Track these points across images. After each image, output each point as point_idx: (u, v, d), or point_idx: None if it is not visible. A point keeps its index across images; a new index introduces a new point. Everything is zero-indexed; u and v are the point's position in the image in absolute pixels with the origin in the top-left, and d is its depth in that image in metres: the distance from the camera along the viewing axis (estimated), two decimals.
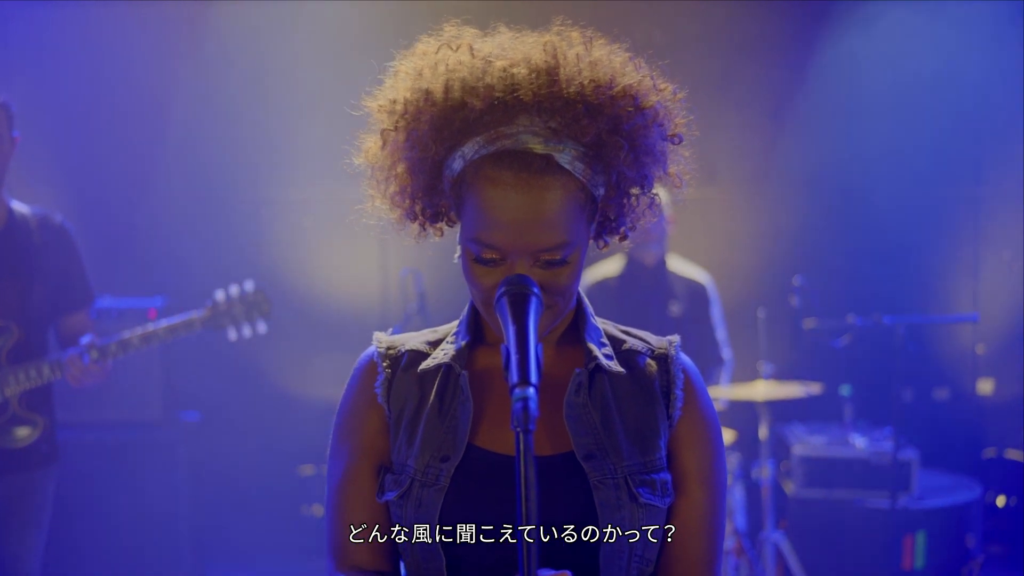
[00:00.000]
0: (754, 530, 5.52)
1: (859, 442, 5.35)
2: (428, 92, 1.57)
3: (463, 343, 1.71)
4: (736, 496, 5.15)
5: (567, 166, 1.54)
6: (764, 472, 5.12)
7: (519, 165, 1.52)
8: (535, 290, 1.52)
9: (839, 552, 5.16)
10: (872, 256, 6.27)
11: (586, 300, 1.77)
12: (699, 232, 6.00)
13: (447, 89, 1.56)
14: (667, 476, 1.65)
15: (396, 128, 1.61)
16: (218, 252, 6.05)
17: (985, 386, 6.28)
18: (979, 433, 6.23)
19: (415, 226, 1.70)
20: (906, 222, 6.19)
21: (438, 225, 1.71)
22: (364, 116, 1.67)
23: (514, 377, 1.37)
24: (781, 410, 5.53)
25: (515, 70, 1.55)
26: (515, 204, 1.52)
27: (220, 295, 4.03)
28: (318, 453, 5.98)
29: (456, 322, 1.78)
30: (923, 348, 5.41)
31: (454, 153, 1.57)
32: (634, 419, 1.66)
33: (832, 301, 5.61)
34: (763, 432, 5.11)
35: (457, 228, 1.65)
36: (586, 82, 1.55)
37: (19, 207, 3.79)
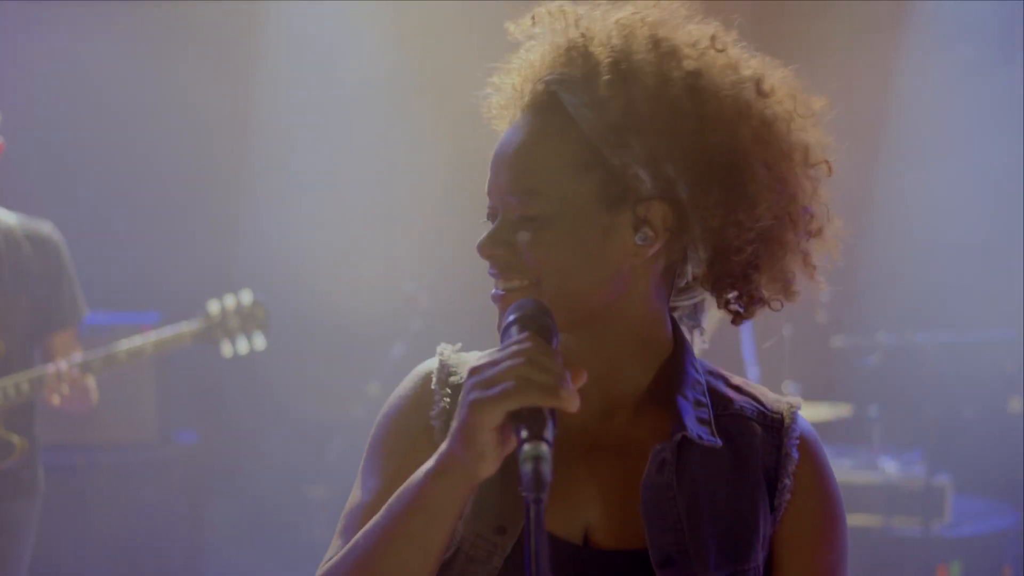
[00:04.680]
0: None
1: (889, 466, 5.23)
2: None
3: None
4: None
5: (571, 108, 1.37)
6: None
7: (526, 106, 1.42)
8: (547, 320, 1.27)
9: None
10: (904, 269, 6.09)
11: (690, 339, 1.48)
12: None
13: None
14: None
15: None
16: (218, 264, 5.98)
17: (1017, 404, 6.12)
18: (1014, 454, 6.07)
19: None
20: (940, 233, 6.01)
21: None
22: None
23: (521, 430, 1.13)
24: None
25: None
26: (506, 141, 1.41)
27: (214, 306, 3.88)
28: (323, 474, 5.88)
29: None
30: (956, 366, 5.34)
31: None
32: (729, 511, 1.37)
33: (861, 317, 5.52)
34: None
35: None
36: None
37: (5, 216, 3.66)
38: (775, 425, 1.43)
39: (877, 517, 5.09)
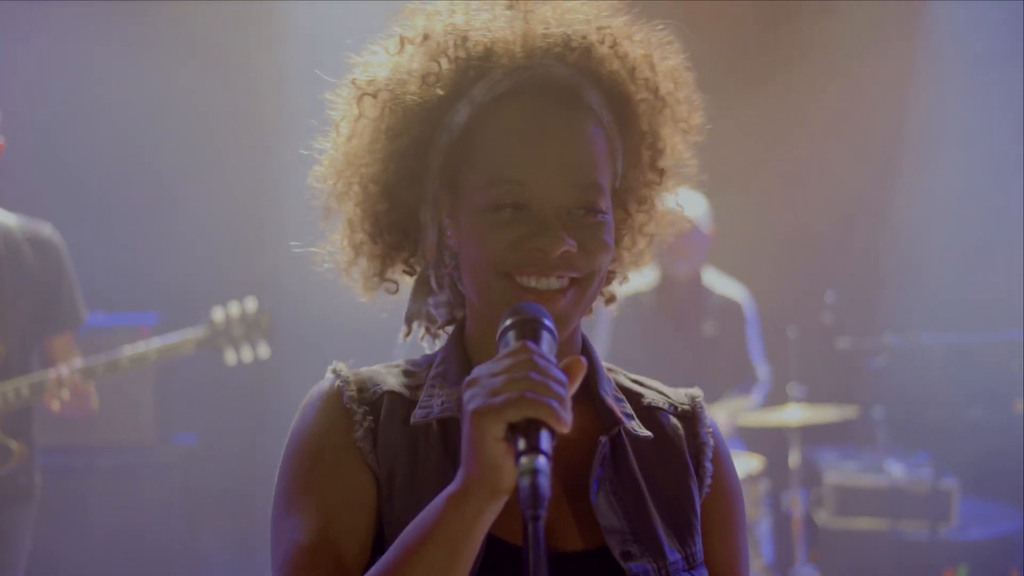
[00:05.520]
0: (784, 564, 5.35)
1: (895, 469, 5.23)
2: (436, 49, 1.41)
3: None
4: (764, 527, 4.99)
5: (595, 107, 1.38)
6: (794, 502, 5.03)
7: (545, 95, 1.36)
8: (547, 323, 1.24)
9: None
10: (910, 270, 6.08)
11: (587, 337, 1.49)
12: (724, 245, 5.82)
13: (459, 41, 1.40)
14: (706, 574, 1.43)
15: (378, 105, 1.43)
16: (217, 265, 5.91)
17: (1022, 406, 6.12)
18: (1021, 457, 6.06)
19: (373, 261, 1.47)
20: (946, 234, 6.01)
21: (397, 262, 1.48)
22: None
23: (519, 441, 1.09)
24: (812, 435, 5.41)
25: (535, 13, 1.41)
26: (545, 131, 1.35)
27: (218, 314, 3.83)
28: None
29: (433, 355, 1.48)
30: (962, 367, 5.33)
31: (456, 105, 1.39)
32: (668, 498, 1.42)
33: (867, 318, 5.52)
34: (793, 459, 5.02)
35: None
36: (610, 33, 1.42)
37: (5, 217, 3.63)
38: (687, 415, 1.49)
39: (883, 520, 5.08)
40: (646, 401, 1.48)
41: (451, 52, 1.39)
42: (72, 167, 5.93)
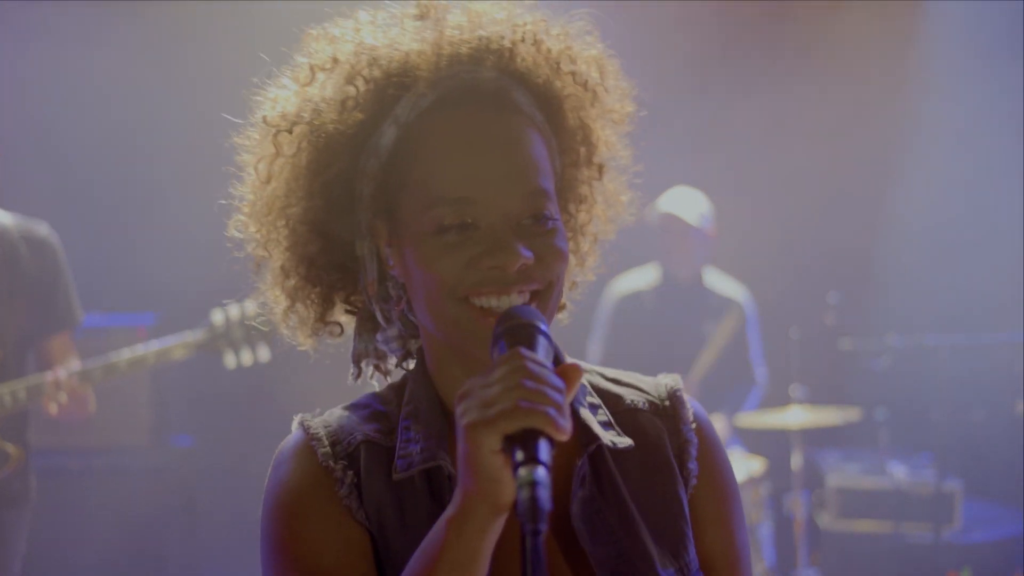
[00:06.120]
0: (786, 566, 5.33)
1: (898, 470, 5.21)
2: (351, 72, 1.33)
3: (438, 427, 1.32)
4: (766, 530, 4.97)
5: (525, 108, 1.32)
6: (796, 504, 4.99)
7: (474, 102, 1.29)
8: (542, 327, 1.18)
9: None
10: (914, 271, 6.08)
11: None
12: (726, 246, 5.80)
13: (374, 61, 1.33)
14: None
15: (294, 141, 1.35)
16: (215, 263, 5.80)
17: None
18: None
19: (312, 306, 1.39)
20: (950, 234, 6.03)
21: (337, 303, 1.40)
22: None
23: (516, 452, 1.04)
24: (815, 437, 5.40)
25: (448, 22, 1.34)
26: (479, 137, 1.28)
27: (218, 316, 3.78)
28: None
29: (401, 388, 1.40)
30: (966, 369, 5.30)
31: (380, 127, 1.32)
32: (656, 510, 1.34)
33: (870, 319, 5.51)
34: (796, 461, 4.99)
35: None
36: (528, 30, 1.35)
37: (1, 217, 3.60)
38: (668, 413, 1.41)
39: (886, 523, 5.06)
40: (626, 404, 1.40)
41: (365, 72, 1.32)
42: (69, 166, 5.93)
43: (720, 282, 5.11)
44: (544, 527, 1.00)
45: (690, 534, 1.35)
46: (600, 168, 1.42)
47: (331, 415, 1.38)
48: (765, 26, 6.14)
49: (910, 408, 5.62)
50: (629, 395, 1.41)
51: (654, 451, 1.37)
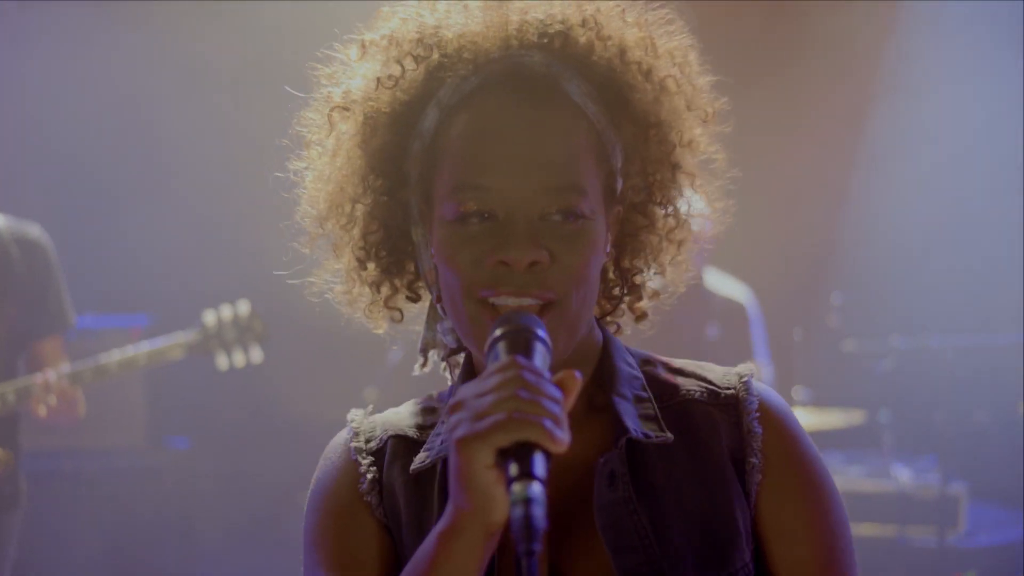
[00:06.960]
0: None
1: (902, 473, 5.16)
2: (402, 55, 1.30)
3: None
4: None
5: (576, 98, 1.25)
6: None
7: (515, 86, 1.24)
8: (540, 332, 1.12)
9: None
10: (917, 272, 6.07)
11: (612, 335, 1.35)
12: (729, 246, 5.79)
13: (425, 40, 1.29)
14: None
15: (351, 118, 1.33)
16: (209, 265, 5.89)
17: None
18: None
19: (374, 289, 1.36)
20: (953, 235, 6.02)
21: (401, 288, 1.36)
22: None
23: (510, 466, 0.99)
24: (818, 439, 5.25)
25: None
26: (513, 128, 1.22)
27: (210, 317, 3.78)
28: None
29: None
30: (970, 370, 5.30)
31: (426, 109, 1.28)
32: (700, 511, 1.25)
33: (874, 321, 5.48)
34: None
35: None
36: (590, 15, 1.29)
37: None
38: (730, 402, 1.30)
39: (890, 526, 5.02)
40: (681, 394, 1.32)
41: (416, 52, 1.28)
42: (62, 167, 5.92)
43: (722, 283, 5.08)
44: (539, 547, 0.94)
45: (744, 540, 1.25)
46: (681, 169, 1.34)
47: (392, 410, 1.38)
48: (765, 25, 6.15)
49: (914, 410, 5.60)
50: (687, 385, 1.33)
51: (706, 445, 1.28)
